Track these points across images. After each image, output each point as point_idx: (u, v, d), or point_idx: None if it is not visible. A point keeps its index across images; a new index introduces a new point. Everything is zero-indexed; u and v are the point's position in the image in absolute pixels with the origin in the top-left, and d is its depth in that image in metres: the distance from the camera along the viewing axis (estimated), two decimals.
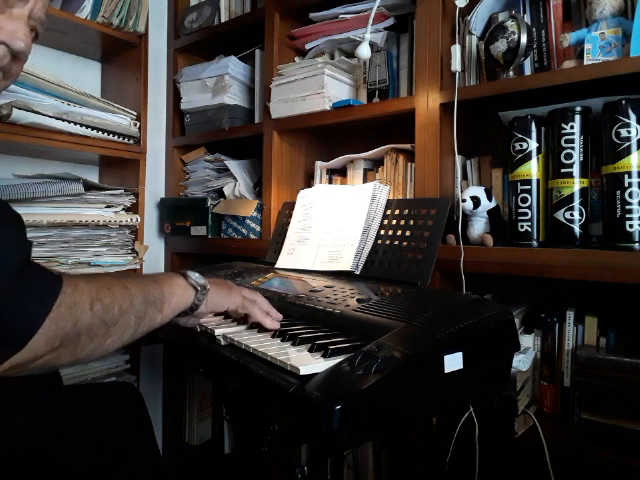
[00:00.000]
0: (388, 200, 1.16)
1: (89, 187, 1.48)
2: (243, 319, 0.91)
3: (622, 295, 1.10)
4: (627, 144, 0.93)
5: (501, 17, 1.17)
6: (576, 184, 1.00)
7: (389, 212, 1.14)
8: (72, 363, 0.68)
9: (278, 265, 1.28)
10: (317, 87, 1.35)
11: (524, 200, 1.06)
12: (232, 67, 1.60)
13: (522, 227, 1.06)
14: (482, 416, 1.04)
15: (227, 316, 0.96)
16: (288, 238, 1.31)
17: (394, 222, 1.12)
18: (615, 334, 1.03)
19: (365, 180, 1.40)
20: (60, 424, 0.88)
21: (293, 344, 0.75)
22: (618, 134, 0.94)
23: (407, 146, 1.27)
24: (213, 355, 0.82)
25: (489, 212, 1.12)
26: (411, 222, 1.07)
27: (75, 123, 1.44)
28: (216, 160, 1.70)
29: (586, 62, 0.99)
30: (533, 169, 1.05)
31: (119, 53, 1.69)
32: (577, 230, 1.00)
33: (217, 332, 0.84)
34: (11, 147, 1.46)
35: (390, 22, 1.34)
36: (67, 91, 1.43)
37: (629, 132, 0.93)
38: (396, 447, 1.26)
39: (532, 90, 1.03)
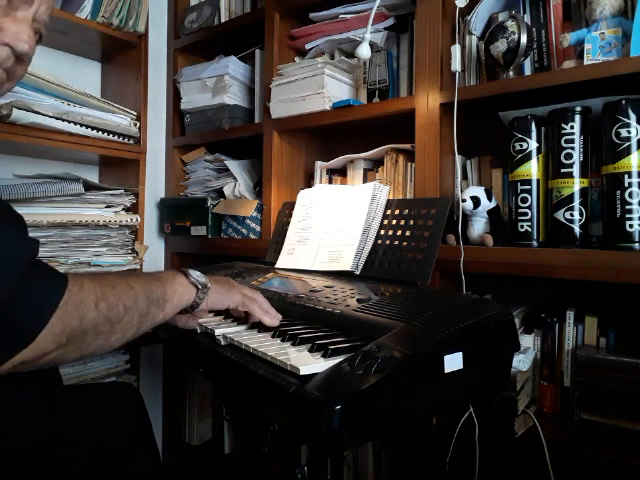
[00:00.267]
0: (388, 200, 1.16)
1: (89, 187, 1.48)
2: (243, 319, 0.92)
3: (622, 295, 1.10)
4: (627, 144, 0.93)
5: (501, 17, 1.17)
6: (576, 184, 1.00)
7: (389, 212, 1.14)
8: (78, 359, 0.70)
9: (278, 265, 1.28)
10: (317, 87, 1.35)
11: (524, 200, 1.06)
12: (232, 67, 1.60)
13: (522, 227, 1.06)
14: (482, 416, 1.04)
15: (227, 316, 0.96)
16: (288, 238, 1.31)
17: (394, 222, 1.12)
18: (615, 334, 1.03)
19: (365, 180, 1.40)
20: (60, 424, 0.88)
21: (293, 344, 0.75)
22: (618, 134, 0.94)
23: (407, 146, 1.27)
24: (213, 355, 0.82)
25: (489, 212, 1.12)
26: (411, 222, 1.07)
27: (75, 123, 1.44)
28: (216, 160, 1.70)
29: (586, 62, 0.99)
30: (533, 169, 1.05)
31: (119, 53, 1.69)
32: (577, 230, 1.00)
33: (217, 332, 0.84)
34: (11, 147, 1.46)
35: (390, 22, 1.34)
36: (67, 91, 1.43)
37: (629, 132, 0.93)
38: (396, 447, 1.26)
39: (532, 90, 1.03)
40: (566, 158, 1.01)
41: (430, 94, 1.17)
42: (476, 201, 1.10)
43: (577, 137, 1.00)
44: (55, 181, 1.42)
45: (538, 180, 1.05)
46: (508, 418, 1.02)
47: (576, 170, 1.00)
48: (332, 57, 1.48)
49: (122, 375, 1.62)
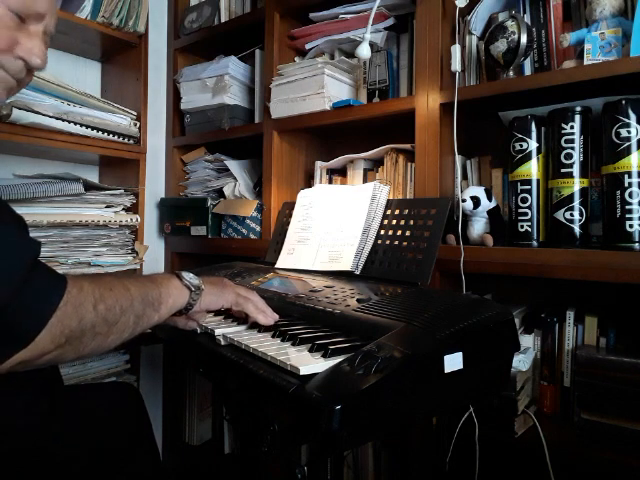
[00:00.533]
0: (388, 200, 1.16)
1: (89, 187, 1.48)
2: (244, 319, 0.92)
3: (622, 295, 1.10)
4: (627, 144, 0.93)
5: (501, 17, 1.17)
6: (576, 184, 1.00)
7: (389, 212, 1.14)
8: (76, 359, 0.72)
9: (278, 265, 1.28)
10: (317, 87, 1.35)
11: (524, 200, 1.06)
12: (232, 67, 1.60)
13: (522, 227, 1.06)
14: (482, 416, 1.04)
15: (227, 316, 0.96)
16: (288, 238, 1.31)
17: (394, 222, 1.12)
18: (615, 334, 1.03)
19: (365, 180, 1.40)
20: (60, 424, 0.88)
21: (293, 344, 0.75)
22: (618, 134, 0.94)
23: (407, 146, 1.27)
24: (213, 355, 0.82)
25: (489, 212, 1.12)
26: (411, 222, 1.07)
27: (75, 123, 1.44)
28: (216, 160, 1.70)
29: (586, 62, 0.99)
30: (533, 169, 1.05)
31: (119, 53, 1.69)
32: (577, 230, 1.00)
33: (217, 332, 0.84)
34: (11, 147, 1.46)
35: (390, 22, 1.34)
36: (67, 91, 1.43)
37: (629, 132, 0.93)
38: (396, 447, 1.26)
39: (532, 90, 1.03)
40: (566, 158, 1.01)
41: (430, 94, 1.17)
42: (476, 201, 1.10)
43: (577, 137, 1.00)
44: (55, 181, 1.42)
45: (538, 180, 1.05)
46: (508, 418, 1.02)
47: (576, 170, 1.00)
48: (332, 57, 1.48)
49: (122, 375, 1.62)
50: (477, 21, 1.19)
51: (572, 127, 1.00)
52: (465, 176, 1.25)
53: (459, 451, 1.08)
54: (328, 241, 1.20)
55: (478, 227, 1.13)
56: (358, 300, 0.88)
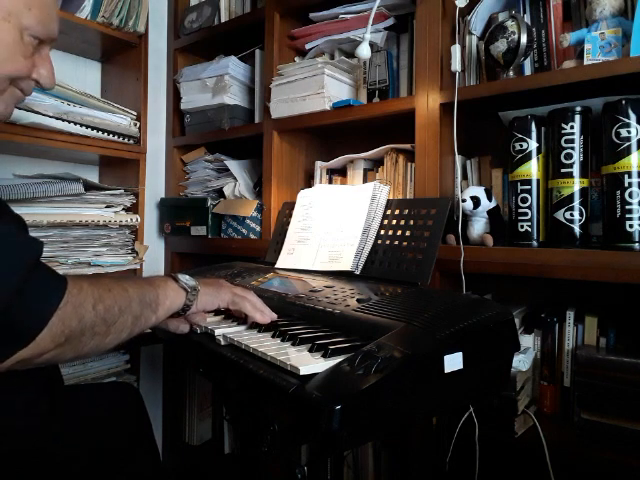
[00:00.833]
0: (388, 200, 1.16)
1: (89, 187, 1.48)
2: (243, 319, 0.92)
3: (622, 295, 1.10)
4: (627, 144, 0.93)
5: (501, 17, 1.17)
6: (576, 184, 1.00)
7: (389, 212, 1.14)
8: (74, 359, 0.74)
9: (278, 265, 1.28)
10: (317, 87, 1.35)
11: (524, 200, 1.06)
12: (232, 67, 1.60)
13: (522, 227, 1.06)
14: (482, 416, 1.04)
15: (227, 316, 0.96)
16: (288, 238, 1.31)
17: (394, 222, 1.12)
18: (615, 334, 1.03)
19: (365, 180, 1.40)
20: (60, 424, 0.88)
21: (293, 344, 0.75)
22: (618, 134, 0.94)
23: (407, 146, 1.27)
24: (213, 355, 0.82)
25: (489, 212, 1.12)
26: (411, 222, 1.07)
27: (75, 123, 1.44)
28: (216, 160, 1.70)
29: (586, 62, 0.99)
30: (533, 169, 1.05)
31: (119, 53, 1.69)
32: (577, 230, 1.00)
33: (217, 332, 0.84)
34: (11, 147, 1.46)
35: (390, 22, 1.34)
36: (67, 91, 1.43)
37: (629, 132, 0.93)
38: (396, 447, 1.26)
39: (532, 90, 1.03)
40: (566, 158, 1.01)
41: (430, 94, 1.17)
42: (476, 201, 1.10)
43: (577, 137, 1.00)
44: (55, 181, 1.42)
45: (538, 180, 1.05)
46: (508, 418, 1.02)
47: (576, 170, 1.00)
48: (332, 57, 1.48)
49: (122, 375, 1.62)
50: (477, 21, 1.19)
51: (572, 127, 1.00)
52: (465, 176, 1.25)
53: (459, 451, 1.08)
54: (328, 241, 1.20)
55: (478, 227, 1.13)
56: (358, 300, 0.88)
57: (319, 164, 1.51)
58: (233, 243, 1.57)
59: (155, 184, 1.85)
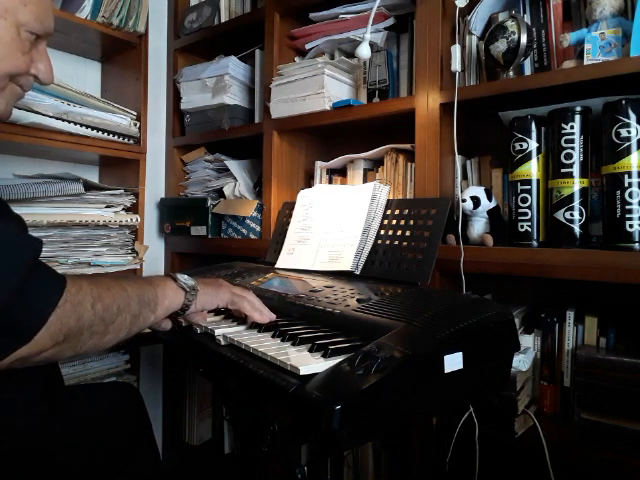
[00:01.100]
0: (388, 200, 1.16)
1: (89, 187, 1.48)
2: (243, 319, 0.92)
3: (622, 295, 1.10)
4: (627, 144, 0.93)
5: (501, 17, 1.17)
6: (576, 184, 1.00)
7: (389, 212, 1.14)
8: (73, 357, 0.75)
9: (278, 265, 1.28)
10: (317, 87, 1.35)
11: (524, 200, 1.06)
12: (232, 67, 1.60)
13: (522, 227, 1.06)
14: (482, 416, 1.04)
15: (227, 316, 0.96)
16: (288, 238, 1.31)
17: (394, 222, 1.12)
18: (615, 334, 1.03)
19: (365, 180, 1.40)
20: (60, 424, 0.88)
21: (293, 344, 0.75)
22: (618, 134, 0.94)
23: (407, 146, 1.27)
24: (213, 355, 0.82)
25: (489, 212, 1.12)
26: (411, 222, 1.07)
27: (75, 123, 1.44)
28: (216, 160, 1.70)
29: (586, 62, 0.99)
30: (533, 169, 1.05)
31: (119, 53, 1.69)
32: (577, 230, 1.00)
33: (217, 332, 0.84)
34: (11, 147, 1.46)
35: (390, 22, 1.34)
36: (67, 91, 1.43)
37: (629, 132, 0.93)
38: (396, 447, 1.26)
39: (532, 90, 1.03)
40: (566, 158, 1.01)
41: (430, 94, 1.17)
42: (476, 201, 1.10)
43: (577, 137, 1.00)
44: (55, 181, 1.42)
45: (538, 180, 1.05)
46: (508, 418, 1.02)
47: (576, 170, 1.00)
48: (332, 57, 1.48)
49: (122, 375, 1.62)
50: (477, 21, 1.19)
51: (572, 127, 1.00)
52: (465, 176, 1.25)
53: (459, 451, 1.08)
54: (328, 241, 1.20)
55: (478, 227, 1.13)
56: (358, 300, 0.88)
57: (319, 164, 1.51)
58: (233, 243, 1.58)
59: (155, 184, 1.85)
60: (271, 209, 1.50)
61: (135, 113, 1.61)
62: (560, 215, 1.01)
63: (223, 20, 1.68)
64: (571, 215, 1.00)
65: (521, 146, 1.06)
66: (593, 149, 1.02)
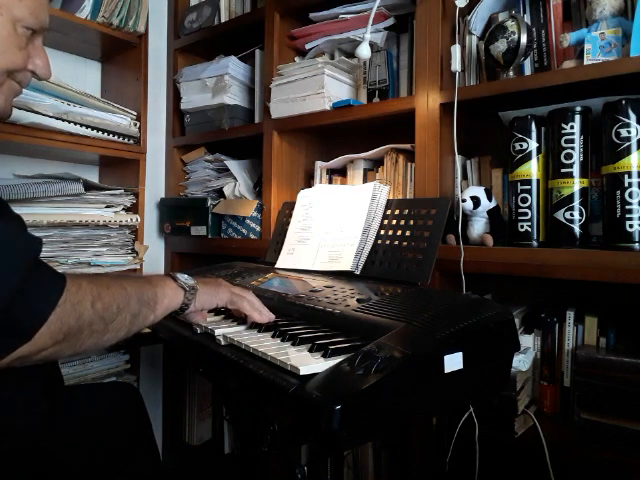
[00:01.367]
0: (388, 200, 1.16)
1: (89, 187, 1.48)
2: (243, 319, 0.92)
3: (622, 295, 1.10)
4: (627, 144, 0.93)
5: (501, 17, 1.17)
6: (576, 184, 1.00)
7: (389, 212, 1.14)
8: (72, 356, 0.75)
9: (278, 265, 1.28)
10: (317, 87, 1.35)
11: (524, 200, 1.06)
12: (232, 67, 1.60)
13: (522, 227, 1.06)
14: (482, 416, 1.04)
15: (227, 316, 0.96)
16: (288, 238, 1.31)
17: (394, 222, 1.12)
18: (615, 334, 1.03)
19: (365, 180, 1.40)
20: (60, 424, 0.88)
21: (293, 344, 0.75)
22: (618, 134, 0.94)
23: (407, 146, 1.27)
24: (213, 355, 0.82)
25: (489, 212, 1.12)
26: (411, 222, 1.07)
27: (75, 123, 1.44)
28: (216, 160, 1.70)
29: (586, 62, 0.99)
30: (533, 169, 1.05)
31: (119, 53, 1.69)
32: (577, 230, 1.00)
33: (217, 332, 0.84)
34: (11, 147, 1.46)
35: (390, 22, 1.34)
36: (67, 91, 1.43)
37: (629, 132, 0.93)
38: (396, 447, 1.26)
39: (532, 90, 1.03)
40: (566, 158, 1.01)
41: (430, 94, 1.17)
42: (476, 201, 1.10)
43: (577, 137, 1.00)
44: (55, 181, 1.43)
45: (538, 180, 1.05)
46: (508, 418, 1.02)
47: (576, 170, 1.00)
48: (332, 57, 1.48)
49: (122, 375, 1.62)
50: (477, 21, 1.19)
51: (572, 127, 1.00)
52: (465, 176, 1.25)
53: (459, 451, 1.08)
54: (328, 241, 1.20)
55: (478, 227, 1.13)
56: (358, 300, 0.88)
57: (319, 164, 1.51)
58: (233, 243, 1.58)
59: (155, 184, 1.85)
60: (271, 209, 1.50)
61: (135, 113, 1.61)
62: (560, 215, 1.01)
63: (223, 20, 1.68)
64: (571, 215, 1.00)
65: (521, 146, 1.06)
66: (593, 149, 1.02)
